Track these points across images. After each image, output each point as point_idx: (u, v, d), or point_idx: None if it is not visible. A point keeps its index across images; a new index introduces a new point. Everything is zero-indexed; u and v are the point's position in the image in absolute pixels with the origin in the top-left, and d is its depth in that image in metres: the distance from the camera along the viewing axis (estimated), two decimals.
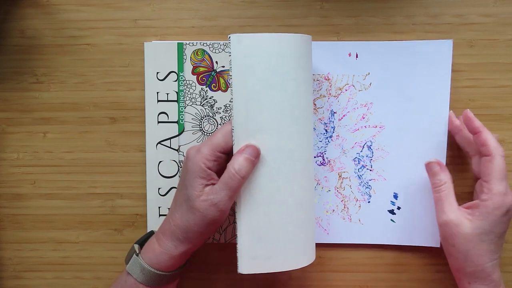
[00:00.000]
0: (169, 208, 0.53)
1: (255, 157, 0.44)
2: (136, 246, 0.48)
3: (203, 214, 0.44)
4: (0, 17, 0.53)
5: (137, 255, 0.47)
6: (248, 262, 0.46)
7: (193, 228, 0.45)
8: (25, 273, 0.55)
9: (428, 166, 0.49)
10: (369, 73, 0.52)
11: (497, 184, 0.45)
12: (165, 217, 0.48)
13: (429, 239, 0.52)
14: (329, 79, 0.52)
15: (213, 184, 0.45)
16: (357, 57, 0.52)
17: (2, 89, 0.54)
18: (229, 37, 0.44)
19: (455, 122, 0.50)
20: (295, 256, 0.47)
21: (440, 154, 0.51)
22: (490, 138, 0.46)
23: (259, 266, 0.46)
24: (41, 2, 0.53)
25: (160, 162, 0.53)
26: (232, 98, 0.45)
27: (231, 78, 0.45)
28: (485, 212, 0.45)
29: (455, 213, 0.46)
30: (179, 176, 0.53)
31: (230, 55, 0.45)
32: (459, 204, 0.47)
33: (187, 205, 0.45)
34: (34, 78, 0.54)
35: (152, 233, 0.50)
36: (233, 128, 0.45)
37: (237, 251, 0.46)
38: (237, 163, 0.44)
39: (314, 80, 0.52)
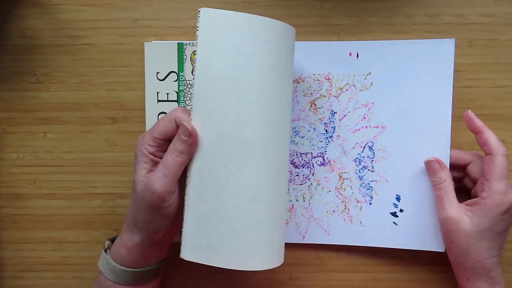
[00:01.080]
0: None
1: (188, 136, 0.43)
2: (107, 243, 0.48)
3: (142, 196, 0.43)
4: (0, 17, 0.53)
5: (105, 251, 0.47)
6: (191, 250, 0.44)
7: (139, 215, 0.44)
8: (25, 273, 0.55)
9: (428, 164, 0.50)
10: (370, 73, 0.52)
11: (497, 182, 0.45)
12: None
13: (434, 243, 0.51)
14: (329, 79, 0.52)
15: None
16: (357, 56, 0.52)
17: (2, 89, 0.54)
18: (199, 10, 0.43)
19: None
20: (247, 256, 0.44)
21: (443, 154, 0.51)
22: (491, 137, 0.47)
23: (202, 256, 0.43)
24: (41, 2, 0.53)
25: None
26: (194, 76, 0.44)
27: (195, 55, 0.43)
28: (485, 210, 0.45)
29: (455, 210, 0.47)
30: None
31: (197, 30, 0.43)
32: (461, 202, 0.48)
33: (132, 190, 0.45)
34: (34, 78, 0.54)
35: None
36: (191, 107, 0.44)
37: (182, 235, 0.44)
38: (173, 142, 0.43)
39: (314, 80, 0.52)
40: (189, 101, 0.53)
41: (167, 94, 0.53)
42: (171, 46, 0.52)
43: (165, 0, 0.53)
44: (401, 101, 0.51)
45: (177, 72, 0.53)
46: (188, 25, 0.53)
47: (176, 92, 0.53)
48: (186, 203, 0.44)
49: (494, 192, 0.45)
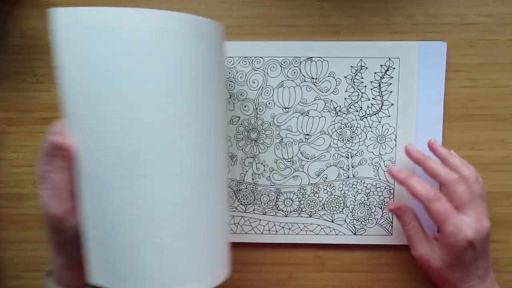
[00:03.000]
0: None
1: (55, 150, 0.38)
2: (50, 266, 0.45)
3: (45, 221, 0.40)
4: (0, 17, 0.53)
5: (46, 274, 0.45)
6: (98, 274, 0.39)
7: (50, 238, 0.41)
8: (25, 273, 0.55)
9: (391, 212, 0.50)
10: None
11: (455, 219, 0.44)
12: None
13: None
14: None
15: None
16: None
17: (2, 89, 0.54)
18: (50, 11, 0.36)
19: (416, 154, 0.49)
20: (162, 281, 0.38)
21: None
22: (436, 168, 0.46)
23: (112, 282, 0.38)
24: (41, 2, 0.53)
25: None
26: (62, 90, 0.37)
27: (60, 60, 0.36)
28: (447, 246, 0.45)
29: (424, 248, 0.48)
30: None
31: (54, 33, 0.36)
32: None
33: None
34: (34, 78, 0.54)
35: None
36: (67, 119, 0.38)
37: (87, 258, 0.39)
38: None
39: None
40: None
41: None
42: None
43: (165, 0, 0.53)
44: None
45: None
46: None
47: None
48: (84, 227, 0.39)
49: (455, 230, 0.44)
